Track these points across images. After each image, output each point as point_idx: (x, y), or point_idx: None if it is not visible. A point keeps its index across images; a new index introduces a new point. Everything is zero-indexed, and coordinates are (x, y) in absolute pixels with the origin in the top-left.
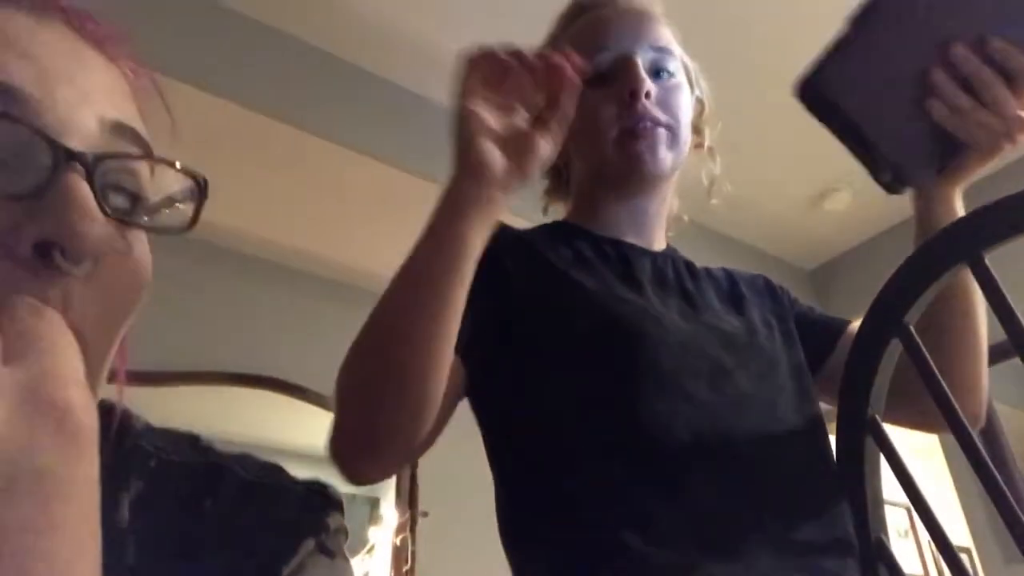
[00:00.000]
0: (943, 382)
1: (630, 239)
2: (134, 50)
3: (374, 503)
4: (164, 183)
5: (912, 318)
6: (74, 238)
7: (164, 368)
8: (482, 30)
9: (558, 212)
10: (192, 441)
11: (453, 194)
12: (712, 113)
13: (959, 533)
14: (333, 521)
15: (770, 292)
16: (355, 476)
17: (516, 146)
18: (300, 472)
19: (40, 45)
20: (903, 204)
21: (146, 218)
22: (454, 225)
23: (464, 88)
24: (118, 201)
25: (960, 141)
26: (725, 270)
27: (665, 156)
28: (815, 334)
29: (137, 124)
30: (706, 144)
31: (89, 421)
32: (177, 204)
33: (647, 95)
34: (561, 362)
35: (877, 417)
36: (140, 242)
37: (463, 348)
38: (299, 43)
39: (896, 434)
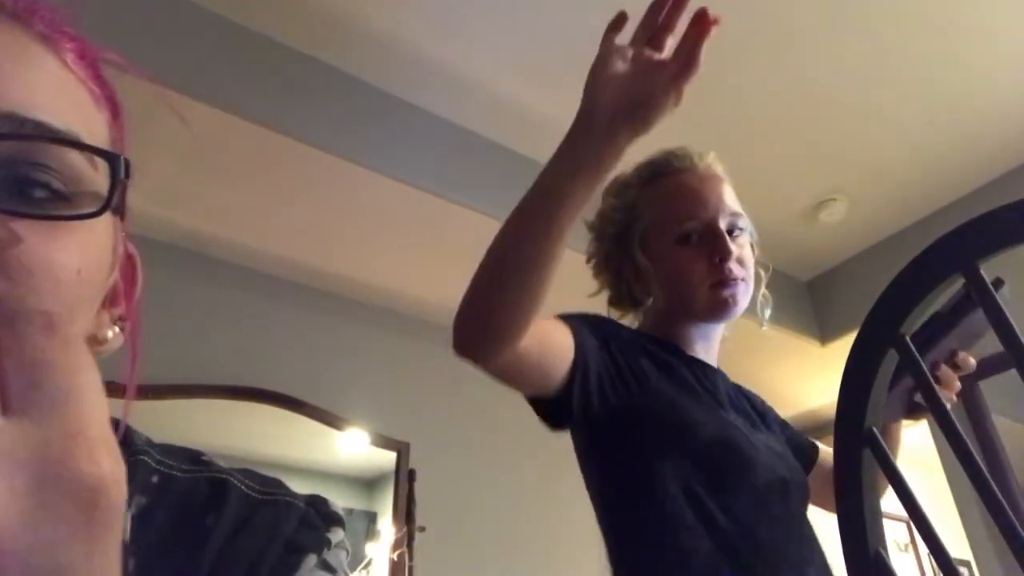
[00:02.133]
0: (941, 393)
1: (701, 357)
2: (78, 29)
3: (372, 518)
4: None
5: (909, 328)
6: None
7: (162, 381)
8: (506, 53)
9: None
10: (194, 456)
11: (568, 144)
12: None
13: (959, 546)
14: (334, 536)
15: (767, 411)
16: (472, 345)
17: (644, 82)
18: (298, 486)
19: None
20: (899, 215)
21: (56, 210)
22: (560, 178)
23: (603, 43)
24: (37, 197)
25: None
26: (738, 385)
27: (744, 302)
28: (800, 454)
29: (47, 113)
30: (764, 277)
31: (121, 498)
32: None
33: (738, 261)
34: (677, 462)
35: (875, 430)
36: (49, 240)
37: (580, 374)
38: (315, 62)
39: None
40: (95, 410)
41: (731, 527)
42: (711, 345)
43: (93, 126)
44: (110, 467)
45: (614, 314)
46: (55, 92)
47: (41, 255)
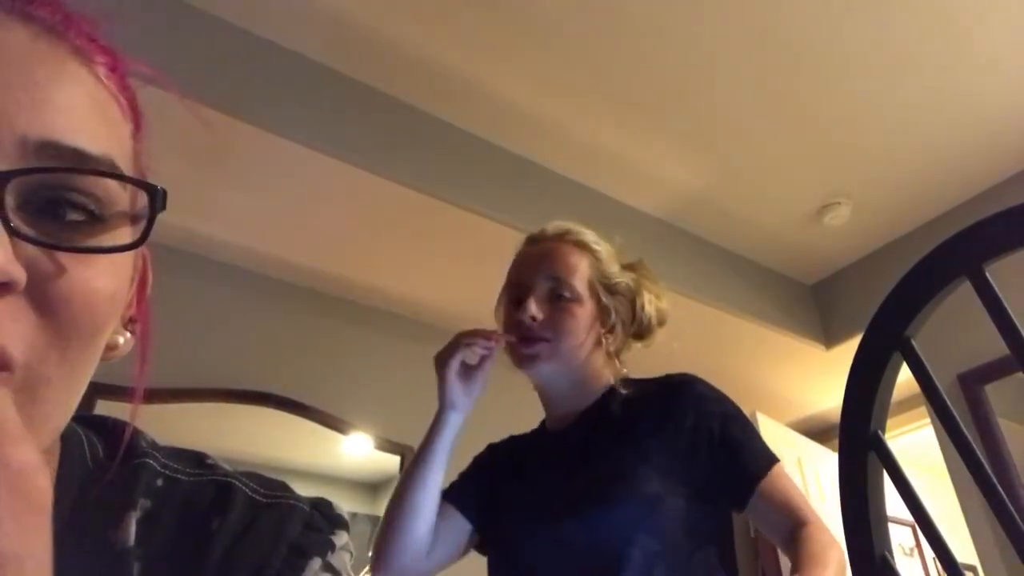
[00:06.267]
0: (945, 396)
1: (560, 418)
2: (110, 41)
3: (376, 522)
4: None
5: (913, 331)
6: None
7: (167, 385)
8: (506, 53)
9: None
10: (199, 459)
11: (435, 418)
12: (628, 315)
13: (964, 551)
14: (338, 539)
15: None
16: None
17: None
18: (302, 489)
19: None
20: (903, 219)
21: (91, 241)
22: (428, 435)
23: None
24: (71, 219)
25: None
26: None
27: (544, 362)
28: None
29: (84, 139)
30: (610, 347)
31: (44, 484)
32: (140, 219)
33: (533, 319)
34: (490, 565)
35: (880, 433)
36: (88, 266)
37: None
38: (317, 65)
39: (900, 450)
40: (7, 409)
41: None
42: (566, 399)
43: (123, 143)
44: (34, 458)
45: None
46: (92, 114)
47: (80, 284)
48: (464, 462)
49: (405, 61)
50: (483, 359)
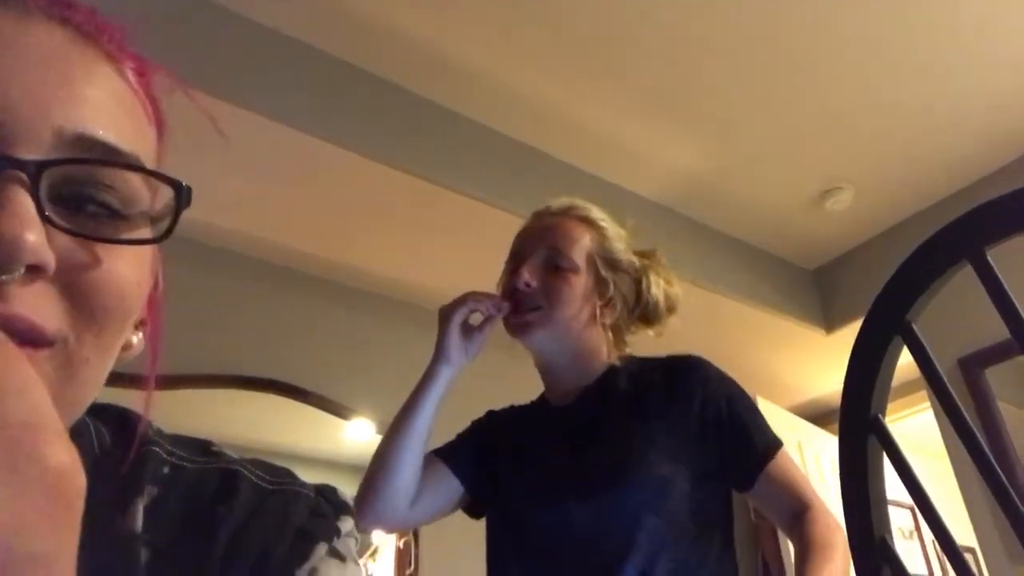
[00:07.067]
0: (945, 379)
1: (558, 392)
2: (139, 46)
3: None
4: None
5: (914, 315)
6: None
7: (169, 371)
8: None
9: None
10: (204, 447)
11: (427, 369)
12: (629, 288)
13: (964, 533)
14: (344, 525)
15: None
16: (360, 523)
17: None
18: (305, 475)
19: (11, 48)
20: (905, 204)
21: (125, 233)
22: (419, 386)
23: (457, 305)
24: (95, 212)
25: None
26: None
27: (537, 329)
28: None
29: (114, 134)
30: (606, 320)
31: (80, 483)
32: (158, 219)
33: (528, 285)
34: (491, 540)
35: (880, 416)
36: (114, 256)
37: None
38: (318, 52)
39: (900, 434)
40: (47, 404)
41: None
42: (566, 374)
43: (147, 145)
44: (66, 452)
45: None
46: (121, 113)
47: (107, 273)
48: (451, 434)
49: (403, 45)
50: (485, 322)
